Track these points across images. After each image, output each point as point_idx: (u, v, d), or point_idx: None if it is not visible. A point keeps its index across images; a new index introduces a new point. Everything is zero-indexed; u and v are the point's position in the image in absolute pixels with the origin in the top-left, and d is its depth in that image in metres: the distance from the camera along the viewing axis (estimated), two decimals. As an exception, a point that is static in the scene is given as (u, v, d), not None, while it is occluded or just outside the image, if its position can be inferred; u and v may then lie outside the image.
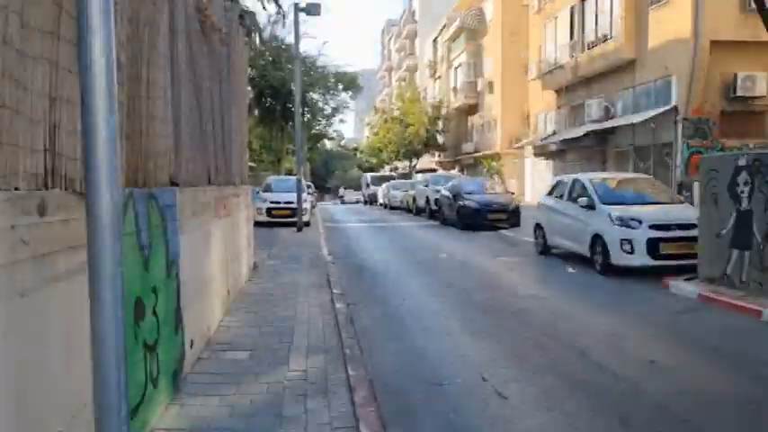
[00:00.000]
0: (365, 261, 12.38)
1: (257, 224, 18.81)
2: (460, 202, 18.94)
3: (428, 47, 56.14)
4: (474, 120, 43.46)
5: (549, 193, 12.60)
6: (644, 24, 22.04)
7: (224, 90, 7.45)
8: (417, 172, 50.89)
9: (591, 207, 10.46)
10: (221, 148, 7.32)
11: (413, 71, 64.50)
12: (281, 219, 19.17)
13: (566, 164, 28.87)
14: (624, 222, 9.67)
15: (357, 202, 52.83)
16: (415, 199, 26.40)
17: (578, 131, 25.49)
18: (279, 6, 12.21)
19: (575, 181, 11.63)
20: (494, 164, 38.11)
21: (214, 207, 6.54)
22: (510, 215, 18.43)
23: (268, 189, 21.08)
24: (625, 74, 23.32)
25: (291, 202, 18.74)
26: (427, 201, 24.11)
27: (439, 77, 51.40)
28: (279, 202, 19.66)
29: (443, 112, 46.62)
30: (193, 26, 5.62)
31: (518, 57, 35.68)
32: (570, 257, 11.56)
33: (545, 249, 12.52)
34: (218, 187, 6.89)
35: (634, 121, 21.49)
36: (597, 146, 25.50)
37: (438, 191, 22.46)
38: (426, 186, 24.83)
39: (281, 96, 32.33)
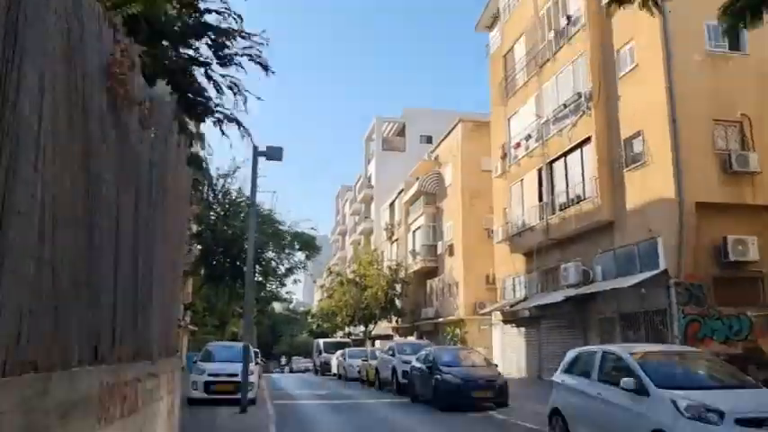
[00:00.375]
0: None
1: (192, 402, 15.32)
2: (438, 376, 15.94)
3: (384, 211, 55.62)
4: (434, 283, 41.47)
5: (568, 371, 9.96)
6: (620, 185, 21.11)
7: (146, 211, 4.90)
8: (373, 338, 47.58)
9: (641, 392, 7.83)
10: (132, 299, 4.60)
11: (368, 234, 63.51)
12: (221, 395, 15.66)
13: (540, 332, 26.52)
14: (698, 415, 7.01)
15: (306, 371, 48.73)
16: (377, 370, 23.09)
17: (555, 297, 23.47)
18: (240, 126, 10.15)
19: (605, 354, 9.10)
20: (457, 331, 35.44)
21: (99, 403, 3.68)
22: (498, 392, 15.47)
23: (208, 358, 17.69)
24: (603, 236, 21.93)
25: (235, 375, 15.37)
26: (393, 372, 20.92)
27: (396, 240, 50.15)
28: (220, 375, 16.23)
29: (402, 275, 44.65)
30: (89, 86, 3.21)
31: (480, 219, 34.71)
32: (607, 458, 8.65)
33: (566, 445, 9.60)
34: (115, 366, 4.07)
35: (620, 286, 19.63)
36: (576, 312, 23.39)
37: (407, 361, 19.47)
38: (392, 355, 21.75)
39: (231, 254, 29.85)
